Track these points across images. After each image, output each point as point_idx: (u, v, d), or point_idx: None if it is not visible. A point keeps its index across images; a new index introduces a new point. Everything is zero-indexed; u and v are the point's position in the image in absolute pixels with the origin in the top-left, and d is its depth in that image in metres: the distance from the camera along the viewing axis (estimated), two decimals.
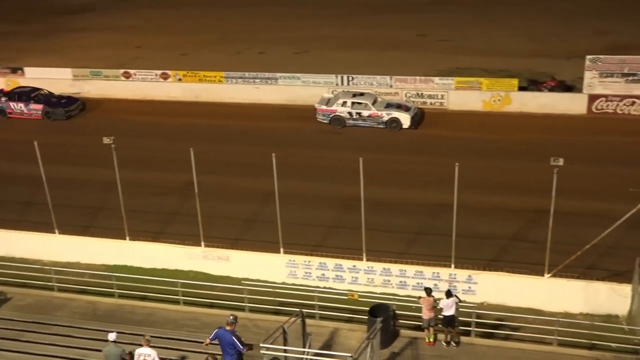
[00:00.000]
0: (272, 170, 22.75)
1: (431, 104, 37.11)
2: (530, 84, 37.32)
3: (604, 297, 21.63)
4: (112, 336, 18.03)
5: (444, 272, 22.80)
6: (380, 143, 33.80)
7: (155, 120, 38.09)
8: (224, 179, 30.59)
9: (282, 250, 24.06)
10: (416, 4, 53.88)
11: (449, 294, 20.16)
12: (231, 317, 17.85)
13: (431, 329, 20.49)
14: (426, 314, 20.35)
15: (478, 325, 20.89)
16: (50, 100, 39.80)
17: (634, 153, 31.31)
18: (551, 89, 36.64)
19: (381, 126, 35.07)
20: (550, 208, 20.95)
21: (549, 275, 21.90)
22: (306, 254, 24.23)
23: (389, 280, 23.46)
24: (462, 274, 22.71)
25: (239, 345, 17.48)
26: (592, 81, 34.76)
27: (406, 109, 35.49)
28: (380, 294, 22.93)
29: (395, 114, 34.98)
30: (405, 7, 53.61)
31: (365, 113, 35.18)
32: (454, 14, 51.48)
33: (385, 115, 34.97)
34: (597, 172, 29.48)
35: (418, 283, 22.74)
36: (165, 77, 41.26)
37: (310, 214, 27.79)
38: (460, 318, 20.84)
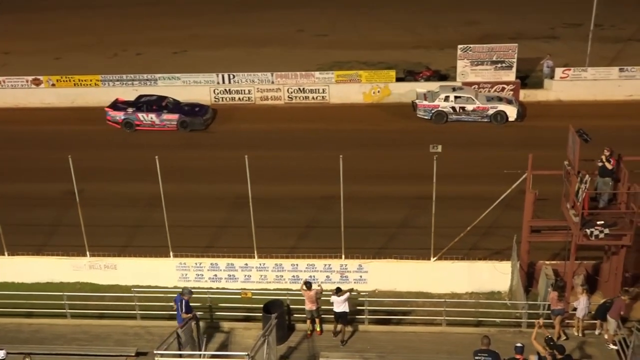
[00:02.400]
0: (157, 174, 22.28)
1: (313, 98, 37.51)
2: (407, 75, 38.46)
3: (487, 276, 22.63)
4: (0, 354, 17.25)
5: (335, 263, 23.15)
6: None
7: (29, 129, 36.43)
8: (106, 186, 29.76)
9: (171, 254, 23.66)
10: (287, 0, 54.31)
11: (338, 290, 20.42)
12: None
13: (316, 320, 20.67)
14: (307, 306, 20.59)
15: (371, 312, 21.35)
16: (182, 108, 35.96)
17: (507, 136, 32.93)
18: (427, 79, 37.95)
19: (485, 120, 34.40)
20: (432, 194, 21.64)
21: (435, 258, 22.67)
22: (197, 256, 23.93)
23: (281, 276, 23.56)
24: (352, 264, 23.14)
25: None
26: (464, 70, 36.21)
27: (508, 101, 34.81)
28: (273, 290, 23.07)
29: (501, 106, 34.32)
30: (276, 4, 53.88)
31: (469, 107, 34.39)
32: (324, 9, 52.29)
33: (491, 108, 34.50)
34: (474, 156, 30.74)
35: (310, 276, 22.92)
36: (37, 83, 39.52)
37: (199, 215, 27.50)
38: (354, 308, 21.24)
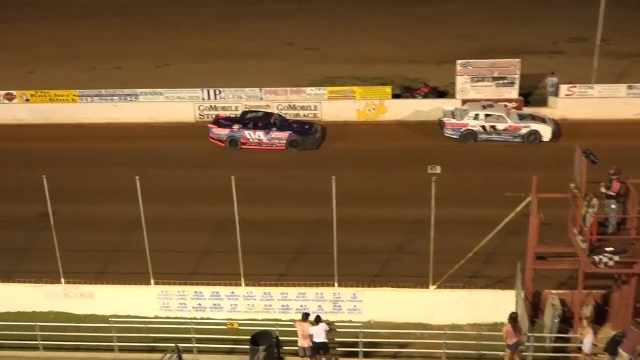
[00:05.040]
0: (137, 195, 22.15)
1: (305, 115, 37.52)
2: (405, 91, 38.58)
3: (490, 305, 22.53)
4: None
5: (328, 292, 23.01)
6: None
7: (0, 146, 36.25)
8: (82, 207, 29.58)
9: (152, 281, 23.48)
10: (275, 12, 54.60)
11: (318, 319, 20.24)
12: None
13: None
14: (300, 341, 20.43)
15: (366, 345, 21.20)
16: (291, 126, 35.44)
17: (507, 156, 33.04)
18: (425, 96, 38.06)
19: (518, 140, 34.19)
20: (431, 217, 21.61)
21: (434, 287, 22.57)
22: (180, 284, 23.76)
23: (270, 305, 23.40)
24: (346, 292, 23.00)
25: None
26: (464, 86, 36.37)
27: (542, 120, 34.69)
28: (262, 320, 22.81)
29: (535, 126, 34.12)
30: (262, 15, 54.13)
31: (500, 126, 34.27)
32: (313, 22, 52.58)
33: (524, 127, 34.33)
34: (474, 178, 30.81)
35: (302, 306, 22.80)
36: (10, 98, 39.37)
37: (181, 239, 27.32)
38: (346, 340, 21.07)
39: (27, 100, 39.36)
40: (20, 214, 29.20)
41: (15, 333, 22.16)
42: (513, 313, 20.53)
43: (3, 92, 39.34)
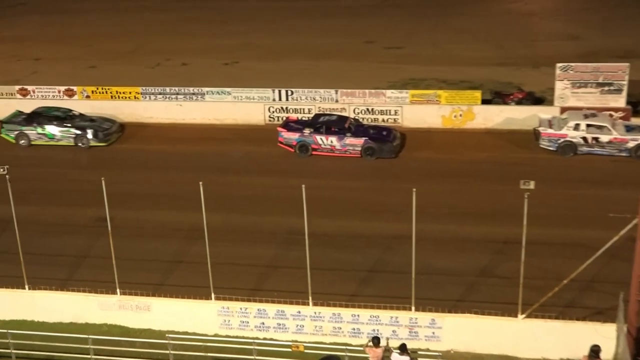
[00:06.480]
0: (199, 202, 22.49)
1: (383, 120, 37.47)
2: (495, 97, 38.13)
3: (586, 340, 21.82)
4: None
5: (404, 316, 22.82)
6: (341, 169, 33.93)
7: None
8: (141, 213, 30.20)
9: (213, 296, 23.74)
10: (355, 7, 54.77)
11: (403, 348, 20.05)
12: None
13: None
14: None
15: None
16: (367, 131, 35.38)
17: (611, 172, 32.23)
18: (519, 102, 37.51)
19: (624, 154, 33.46)
20: (522, 238, 21.24)
21: (524, 315, 22.15)
22: (242, 300, 23.95)
23: (339, 328, 23.34)
24: (424, 317, 22.77)
25: None
26: (564, 92, 35.69)
27: None
28: (330, 344, 22.77)
29: None
30: (344, 11, 54.34)
31: (604, 138, 33.51)
32: (399, 18, 52.43)
33: (631, 140, 33.42)
34: (572, 195, 30.18)
35: (374, 330, 22.68)
36: (70, 93, 40.63)
37: (245, 251, 27.56)
38: None
39: (88, 97, 40.50)
40: (76, 219, 29.98)
41: (67, 345, 22.65)
42: (594, 346, 19.98)
43: (63, 88, 40.60)
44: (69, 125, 37.01)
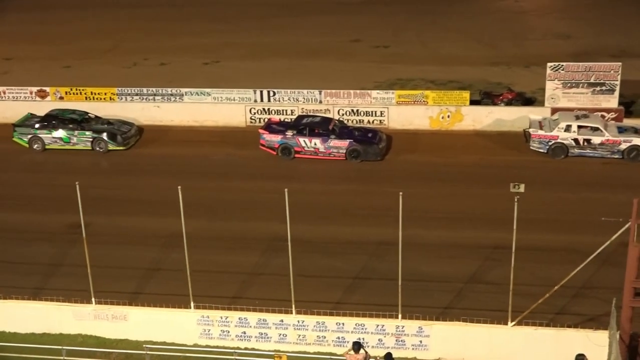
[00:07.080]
0: (178, 207, 22.49)
1: (369, 122, 37.60)
2: (485, 97, 38.32)
3: (578, 347, 21.99)
4: None
5: (390, 324, 22.91)
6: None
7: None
8: (117, 219, 30.14)
9: (192, 304, 23.73)
10: (342, 4, 54.83)
11: (389, 357, 20.14)
12: None
13: None
14: None
15: None
16: (352, 133, 35.46)
17: (603, 175, 32.46)
18: (508, 103, 37.73)
19: (616, 156, 33.58)
20: (512, 243, 21.37)
21: (514, 323, 22.28)
22: (223, 309, 23.97)
23: (324, 337, 23.40)
24: (411, 325, 22.86)
25: None
26: (555, 93, 35.92)
27: None
28: (313, 353, 22.91)
29: (637, 140, 33.27)
30: (330, 8, 54.44)
31: (596, 140, 33.62)
32: (386, 16, 52.57)
33: (623, 142, 33.49)
34: (563, 199, 30.39)
35: (359, 338, 22.70)
36: (43, 95, 40.50)
37: (226, 259, 27.58)
38: None
39: (61, 98, 40.38)
40: (48, 225, 29.91)
41: (40, 357, 22.62)
42: (579, 355, 20.13)
43: (35, 88, 40.45)
44: (84, 128, 36.70)
